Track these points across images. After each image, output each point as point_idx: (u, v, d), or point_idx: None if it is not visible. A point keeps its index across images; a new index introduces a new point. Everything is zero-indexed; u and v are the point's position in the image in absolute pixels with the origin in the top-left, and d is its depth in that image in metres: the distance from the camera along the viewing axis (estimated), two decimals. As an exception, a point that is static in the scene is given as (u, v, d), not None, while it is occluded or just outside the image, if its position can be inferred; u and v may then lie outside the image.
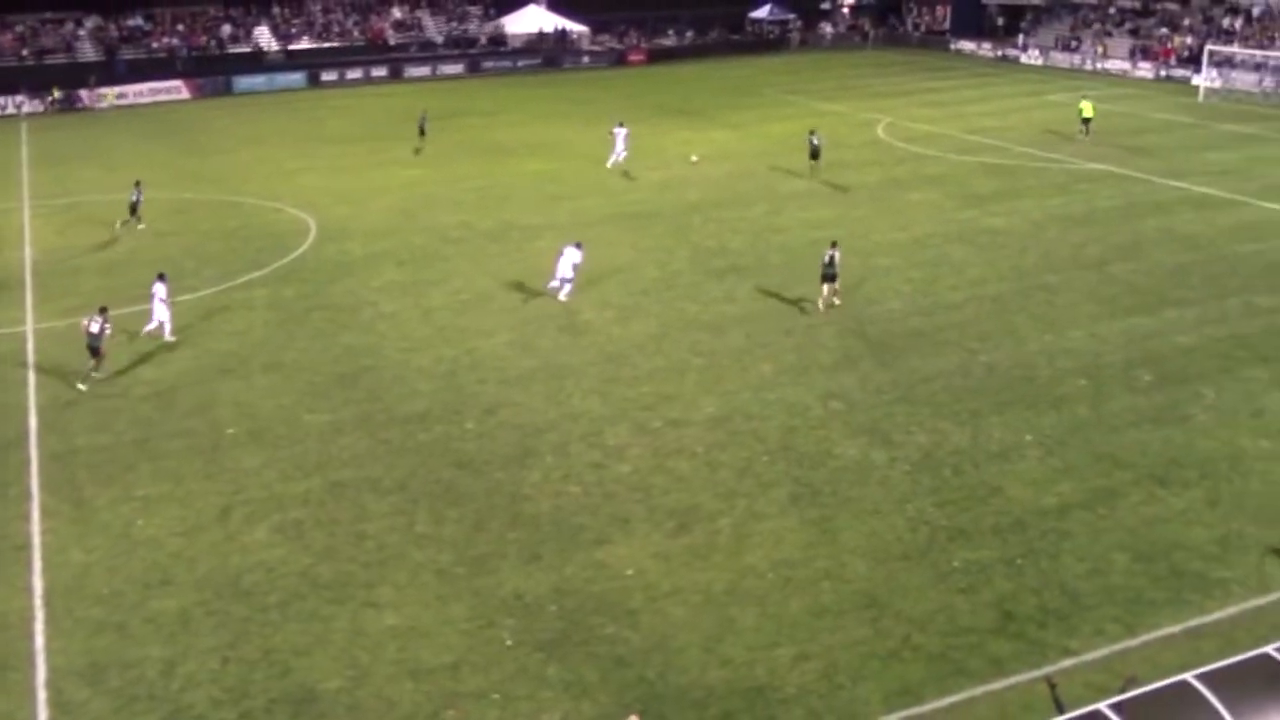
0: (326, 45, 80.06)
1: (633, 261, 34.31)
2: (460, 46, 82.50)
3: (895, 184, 43.40)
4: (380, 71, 78.12)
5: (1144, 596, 17.24)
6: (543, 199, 42.36)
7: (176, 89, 71.67)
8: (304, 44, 79.64)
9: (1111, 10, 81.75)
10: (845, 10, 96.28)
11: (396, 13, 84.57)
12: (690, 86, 71.01)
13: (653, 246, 35.81)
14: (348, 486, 21.01)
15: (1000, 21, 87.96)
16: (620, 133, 46.72)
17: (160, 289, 27.92)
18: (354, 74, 77.46)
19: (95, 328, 25.25)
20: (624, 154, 46.67)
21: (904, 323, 28.74)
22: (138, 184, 39.57)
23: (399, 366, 26.66)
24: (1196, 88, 64.20)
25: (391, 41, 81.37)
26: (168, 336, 28.02)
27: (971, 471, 21.18)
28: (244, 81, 74.23)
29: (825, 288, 29.40)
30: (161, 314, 27.93)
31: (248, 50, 78.15)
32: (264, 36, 79.29)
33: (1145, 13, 79.18)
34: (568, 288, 30.60)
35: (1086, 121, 51.29)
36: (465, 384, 25.56)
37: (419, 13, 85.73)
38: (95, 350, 25.36)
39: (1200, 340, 27.24)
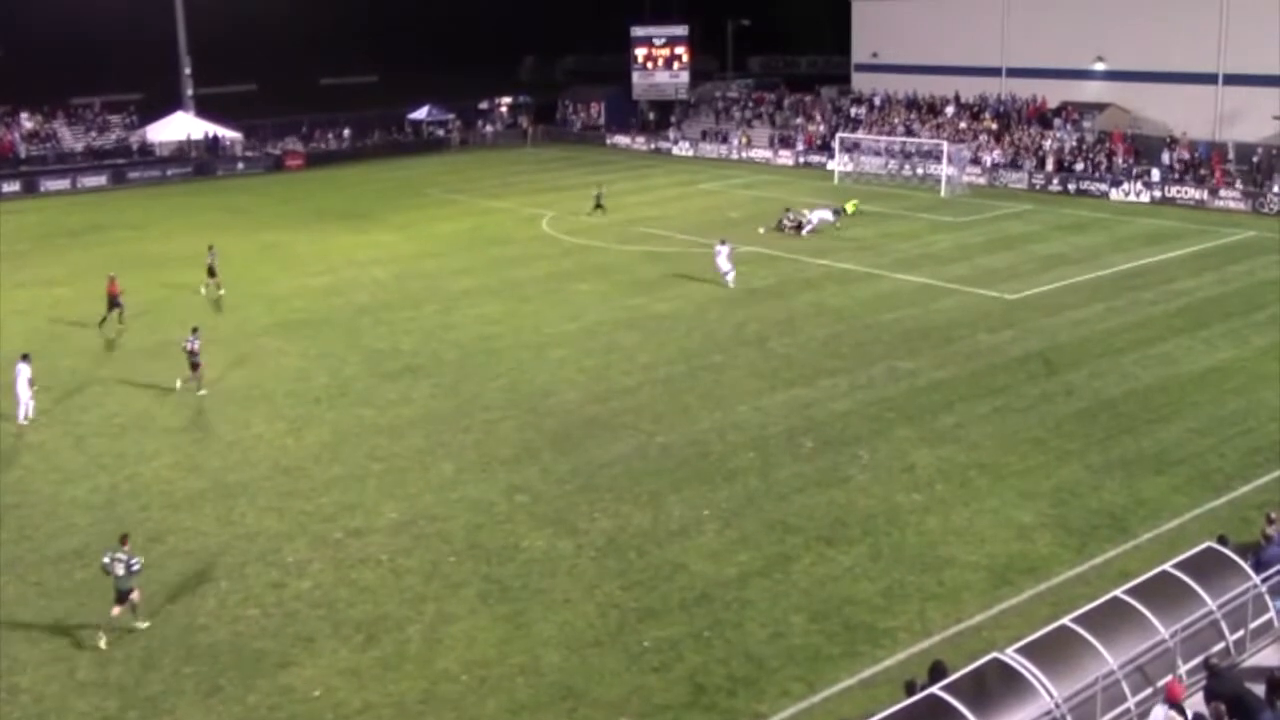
0: (-53, 161, 74.05)
1: (302, 370, 33.36)
2: (102, 157, 78.32)
3: (564, 276, 44.37)
4: (13, 187, 72.69)
5: (822, 653, 18.11)
6: (201, 311, 40.56)
7: None
8: (-78, 160, 73.34)
9: (751, 103, 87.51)
10: (503, 109, 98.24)
11: (28, 123, 79.43)
12: (352, 190, 70.26)
13: (322, 353, 34.95)
14: (-6, 638, 19.15)
15: (652, 116, 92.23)
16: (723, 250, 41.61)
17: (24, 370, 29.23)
18: (-18, 190, 71.88)
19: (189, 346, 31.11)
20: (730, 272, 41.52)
21: (581, 411, 29.26)
22: (211, 248, 43.68)
23: (50, 501, 24.66)
24: (832, 172, 69.40)
25: (23, 154, 76.23)
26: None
27: (655, 551, 21.69)
28: None
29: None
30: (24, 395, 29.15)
31: None
32: (-127, 154, 72.51)
33: (781, 104, 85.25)
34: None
35: (842, 212, 53.01)
36: (127, 512, 23.93)
37: (54, 123, 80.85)
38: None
39: (854, 405, 29.18)
